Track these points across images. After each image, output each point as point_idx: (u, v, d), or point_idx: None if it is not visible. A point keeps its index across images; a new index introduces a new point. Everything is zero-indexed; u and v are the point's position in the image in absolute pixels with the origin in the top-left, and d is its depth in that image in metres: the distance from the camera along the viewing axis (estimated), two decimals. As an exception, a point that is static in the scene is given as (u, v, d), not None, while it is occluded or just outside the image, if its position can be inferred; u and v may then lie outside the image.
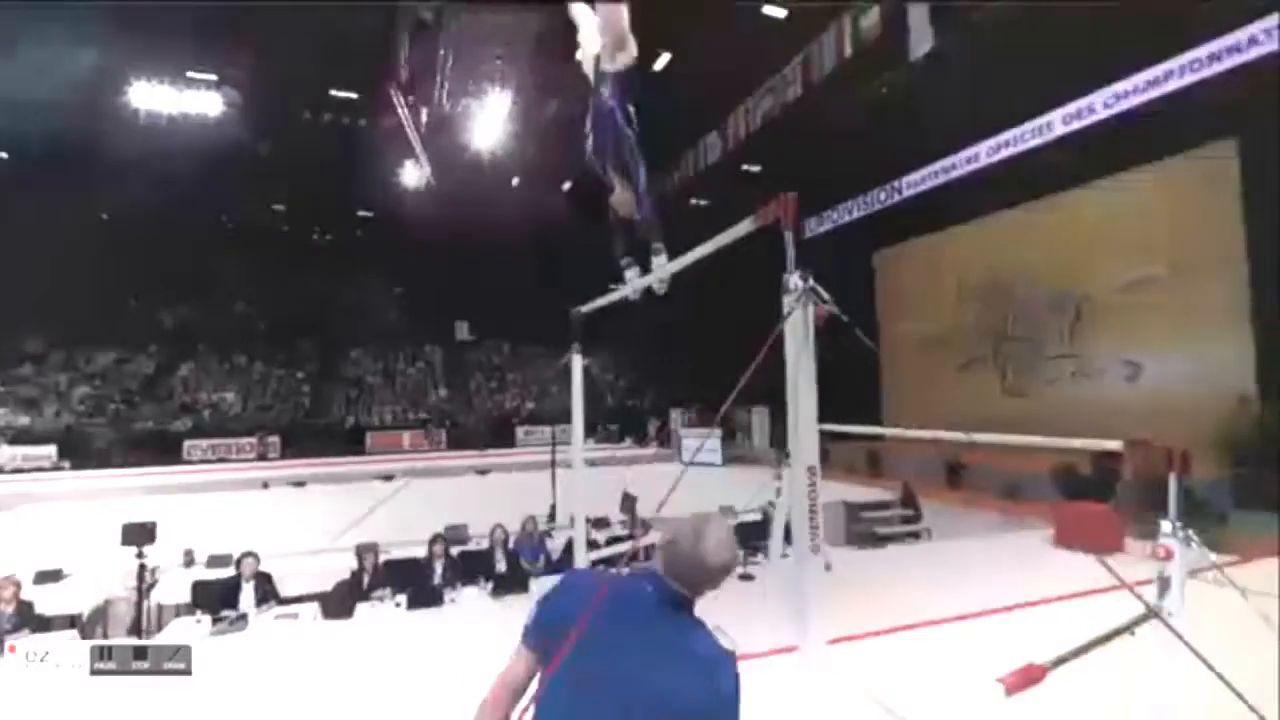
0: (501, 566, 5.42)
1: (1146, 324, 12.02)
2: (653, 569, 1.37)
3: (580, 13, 3.21)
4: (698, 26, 14.23)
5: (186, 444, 17.15)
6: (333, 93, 17.14)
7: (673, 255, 2.87)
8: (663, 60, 16.20)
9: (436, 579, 5.15)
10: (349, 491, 11.59)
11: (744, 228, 1.99)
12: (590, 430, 19.92)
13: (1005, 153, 13.47)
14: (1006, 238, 14.97)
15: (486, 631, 4.24)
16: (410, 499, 9.33)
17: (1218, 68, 9.55)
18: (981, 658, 3.07)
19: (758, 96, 17.08)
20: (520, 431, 20.10)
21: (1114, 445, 2.39)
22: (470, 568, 5.44)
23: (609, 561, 4.83)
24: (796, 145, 17.16)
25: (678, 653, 1.27)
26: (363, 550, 5.24)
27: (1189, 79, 9.89)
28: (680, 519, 1.41)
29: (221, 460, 16.74)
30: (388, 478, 12.15)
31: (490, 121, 19.31)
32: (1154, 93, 10.46)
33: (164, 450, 16.63)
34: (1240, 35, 9.06)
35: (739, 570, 5.36)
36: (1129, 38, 10.06)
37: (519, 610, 4.67)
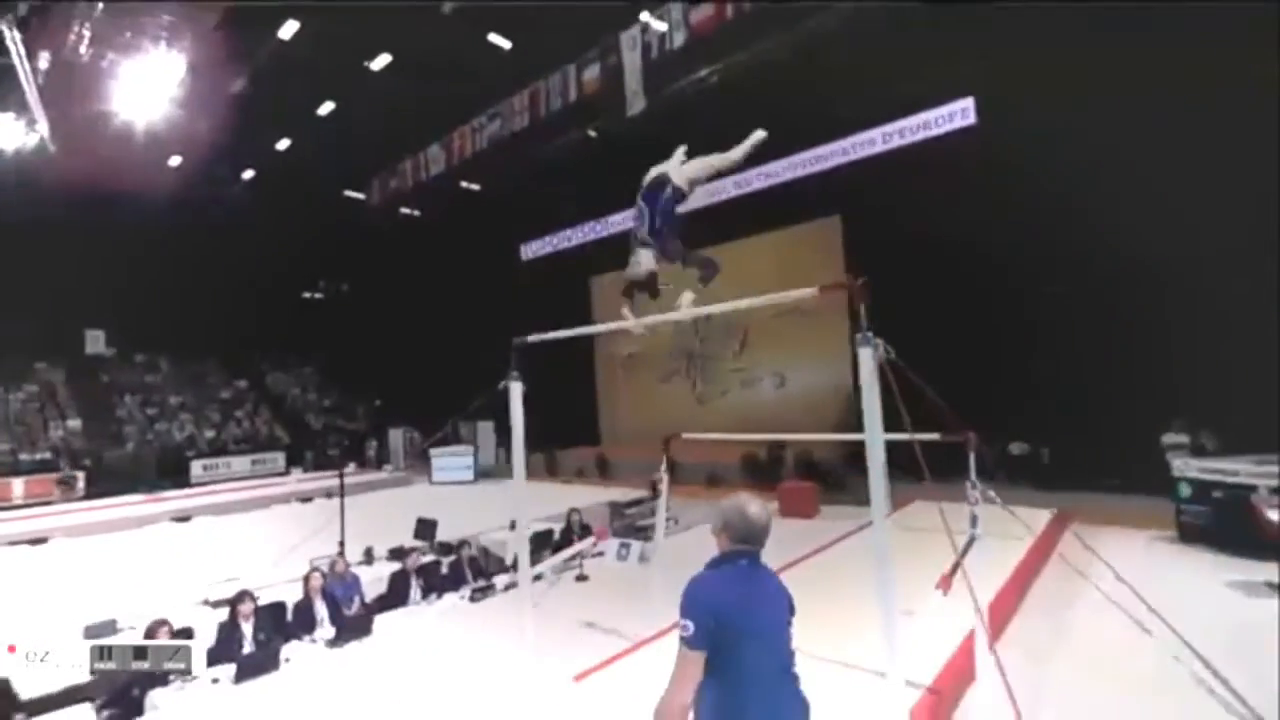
0: (322, 614, 4.92)
1: (790, 345, 16.09)
2: (730, 550, 2.01)
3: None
4: (420, 34, 14.09)
5: None
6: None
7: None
8: (382, 60, 15.52)
9: (247, 644, 4.45)
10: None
11: (806, 293, 2.71)
12: (296, 459, 17.58)
13: (690, 204, 16.69)
14: (691, 272, 18.27)
15: (359, 688, 3.99)
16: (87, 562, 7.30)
17: (831, 163, 13.71)
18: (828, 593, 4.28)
19: (484, 118, 17.56)
20: (197, 467, 16.53)
21: (933, 437, 3.81)
22: (279, 625, 4.82)
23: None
24: (520, 171, 18.02)
25: (770, 583, 2.05)
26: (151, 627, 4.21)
27: (820, 166, 13.97)
28: (715, 508, 2.08)
29: None
30: (37, 541, 9.04)
31: (147, 87, 15.79)
32: (798, 173, 14.38)
33: None
34: (849, 141, 13.17)
35: (575, 572, 5.91)
36: (785, 127, 13.57)
37: (373, 658, 4.61)
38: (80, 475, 15.19)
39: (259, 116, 17.03)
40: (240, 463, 17.53)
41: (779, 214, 15.41)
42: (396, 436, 19.65)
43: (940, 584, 2.72)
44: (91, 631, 4.82)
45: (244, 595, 4.63)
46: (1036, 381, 10.81)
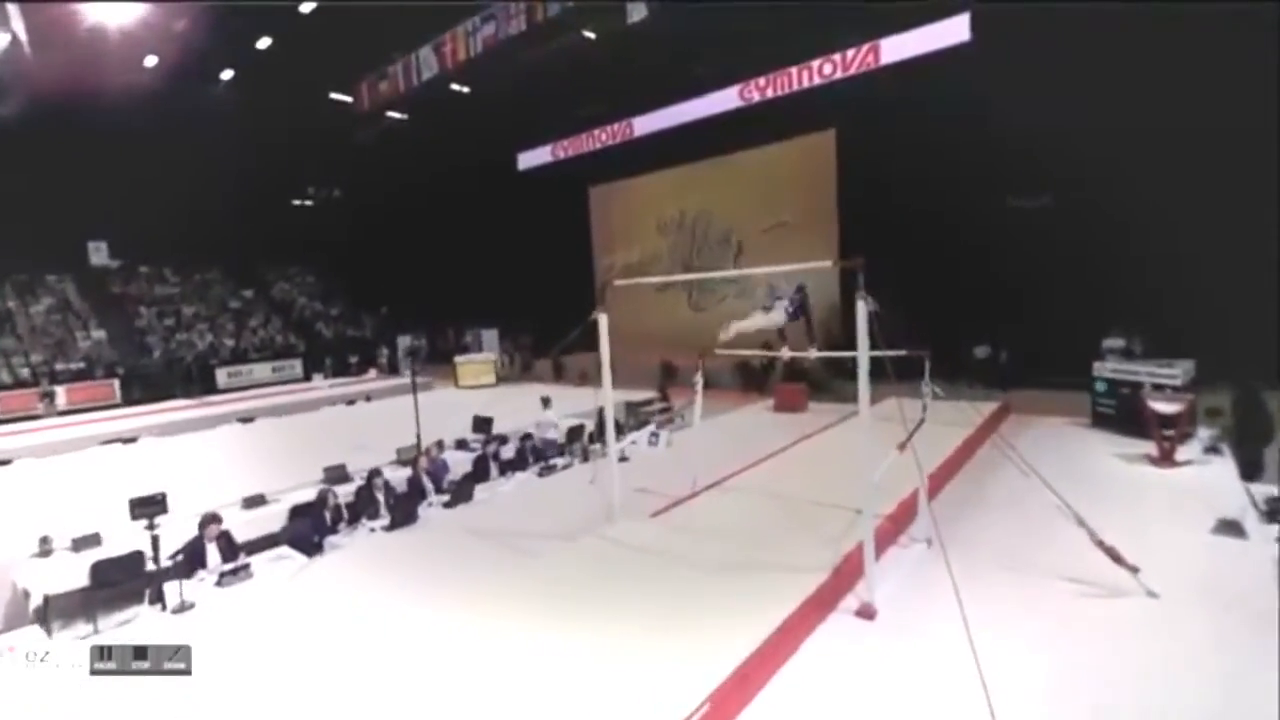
0: (429, 486, 6.37)
1: (780, 259, 17.05)
2: None
3: None
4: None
5: None
6: None
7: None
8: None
9: (383, 509, 5.87)
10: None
11: (824, 264, 3.87)
12: (315, 366, 18.70)
13: (690, 115, 16.93)
14: (690, 184, 18.90)
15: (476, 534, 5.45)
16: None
17: (826, 79, 14.14)
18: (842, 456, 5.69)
19: (478, 20, 17.42)
20: (222, 374, 17.61)
21: (900, 353, 5.13)
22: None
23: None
24: (516, 76, 17.82)
25: None
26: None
27: (810, 84, 14.44)
28: None
29: None
30: (128, 440, 10.30)
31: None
32: (792, 89, 14.81)
33: None
34: (839, 56, 13.57)
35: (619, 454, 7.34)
36: (781, 41, 14.01)
37: (481, 515, 5.98)
38: (116, 383, 16.22)
39: (237, 13, 16.62)
40: (261, 370, 18.63)
41: (775, 128, 15.87)
42: (404, 343, 20.70)
43: (898, 448, 4.11)
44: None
45: (377, 470, 6.03)
46: (1000, 291, 12.04)
